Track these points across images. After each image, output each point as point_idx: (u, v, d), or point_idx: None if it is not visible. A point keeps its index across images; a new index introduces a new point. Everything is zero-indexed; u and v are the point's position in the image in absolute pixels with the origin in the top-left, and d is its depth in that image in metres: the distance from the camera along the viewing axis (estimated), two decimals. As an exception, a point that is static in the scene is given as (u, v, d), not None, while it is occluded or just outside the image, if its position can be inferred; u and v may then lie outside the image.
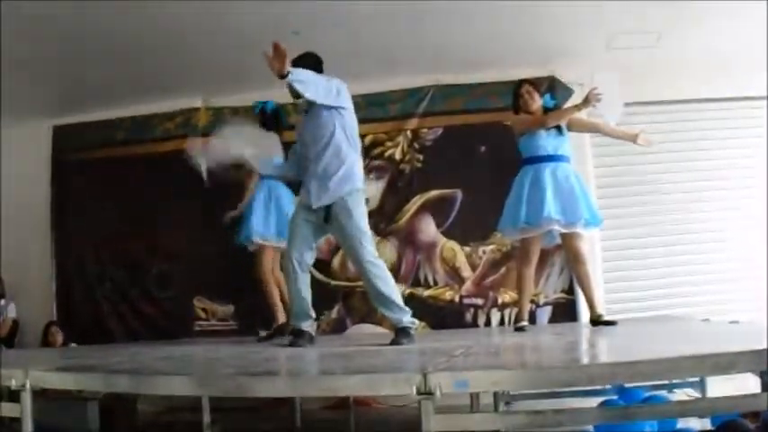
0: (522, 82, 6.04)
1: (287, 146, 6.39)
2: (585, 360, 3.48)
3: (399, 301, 4.78)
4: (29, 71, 6.88)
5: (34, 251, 8.17)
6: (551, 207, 5.52)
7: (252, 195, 6.23)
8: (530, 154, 5.78)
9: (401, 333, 4.63)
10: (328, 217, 4.75)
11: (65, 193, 8.28)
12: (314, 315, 4.94)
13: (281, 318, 6.06)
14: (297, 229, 4.86)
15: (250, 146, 5.12)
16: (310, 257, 4.91)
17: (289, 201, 6.17)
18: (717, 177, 7.67)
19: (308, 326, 4.88)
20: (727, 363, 2.58)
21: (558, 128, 5.78)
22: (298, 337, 4.78)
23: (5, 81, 6.80)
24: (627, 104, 7.22)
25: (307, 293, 4.85)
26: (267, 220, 6.08)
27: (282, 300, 6.02)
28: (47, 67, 7.01)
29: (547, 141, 5.74)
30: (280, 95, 7.36)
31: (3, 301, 7.89)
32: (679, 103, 7.72)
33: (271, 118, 6.37)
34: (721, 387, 3.15)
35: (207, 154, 5.19)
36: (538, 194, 5.60)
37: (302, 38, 6.44)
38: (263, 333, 6.16)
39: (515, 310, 7.15)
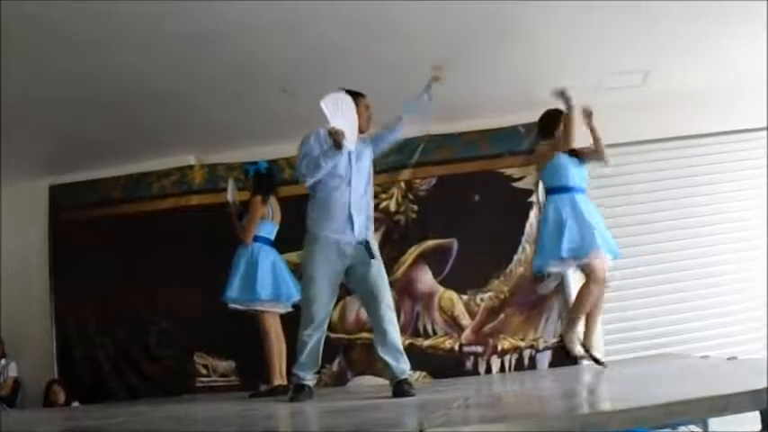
0: (561, 113, 6.03)
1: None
2: (582, 408, 3.51)
3: (402, 351, 4.85)
4: (24, 131, 6.94)
5: (34, 310, 8.15)
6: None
7: (238, 252, 6.34)
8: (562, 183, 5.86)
9: (406, 384, 4.67)
10: (371, 253, 4.79)
11: (63, 251, 8.28)
12: (319, 366, 5.00)
13: (278, 380, 6.14)
14: (322, 279, 4.82)
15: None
16: (330, 308, 4.95)
17: (272, 263, 6.27)
18: (714, 212, 7.67)
19: (310, 379, 4.90)
20: (723, 405, 2.63)
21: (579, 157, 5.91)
22: (297, 393, 4.80)
23: (2, 141, 6.86)
24: (623, 144, 7.32)
25: (320, 345, 4.90)
26: (247, 284, 6.17)
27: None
28: (42, 127, 7.08)
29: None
30: (270, 151, 7.53)
31: (4, 361, 7.89)
32: (673, 140, 7.73)
33: (265, 178, 6.47)
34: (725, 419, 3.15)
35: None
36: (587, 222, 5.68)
37: (291, 95, 6.58)
38: (263, 387, 6.19)
39: (515, 355, 7.19)
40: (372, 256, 4.79)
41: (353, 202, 4.82)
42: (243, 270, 6.23)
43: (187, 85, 6.43)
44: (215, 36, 5.61)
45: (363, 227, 4.84)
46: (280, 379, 6.13)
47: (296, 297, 6.15)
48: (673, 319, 7.45)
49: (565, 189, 5.83)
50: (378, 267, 4.83)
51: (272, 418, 3.93)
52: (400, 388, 4.64)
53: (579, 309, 5.77)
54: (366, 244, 4.79)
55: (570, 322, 5.85)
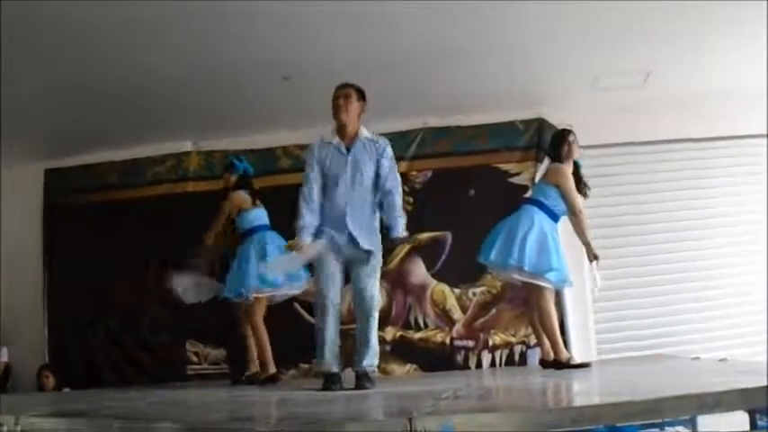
0: (567, 131, 6.04)
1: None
2: (573, 401, 3.51)
3: (377, 345, 4.88)
4: (19, 116, 6.89)
5: (26, 295, 8.11)
6: None
7: (240, 248, 6.30)
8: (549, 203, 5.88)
9: (364, 377, 4.75)
10: (369, 257, 4.82)
11: (57, 236, 8.24)
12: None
13: (254, 367, 6.24)
14: (327, 270, 4.85)
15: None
16: (340, 296, 4.93)
17: (276, 246, 6.23)
18: (711, 215, 7.68)
19: (336, 367, 4.88)
20: (712, 402, 2.62)
21: None
22: (330, 382, 4.77)
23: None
24: (621, 144, 7.30)
25: (335, 333, 4.86)
26: (258, 272, 6.09)
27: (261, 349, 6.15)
28: (38, 112, 7.06)
29: None
30: (267, 139, 7.53)
31: (-5, 346, 7.88)
32: (668, 142, 7.73)
33: (248, 178, 6.47)
34: (714, 420, 3.15)
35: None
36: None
37: (292, 83, 6.57)
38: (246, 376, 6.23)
39: (506, 351, 7.19)
40: (368, 262, 4.84)
41: (349, 204, 4.83)
42: (254, 260, 6.15)
43: (185, 71, 6.41)
44: (214, 22, 5.59)
45: (367, 237, 4.83)
46: (260, 368, 6.19)
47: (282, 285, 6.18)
48: (666, 320, 7.46)
49: (550, 212, 5.88)
50: (371, 266, 4.86)
51: (259, 405, 3.93)
52: (357, 380, 4.75)
53: (552, 327, 5.79)
54: (369, 252, 4.83)
55: (553, 342, 5.82)
